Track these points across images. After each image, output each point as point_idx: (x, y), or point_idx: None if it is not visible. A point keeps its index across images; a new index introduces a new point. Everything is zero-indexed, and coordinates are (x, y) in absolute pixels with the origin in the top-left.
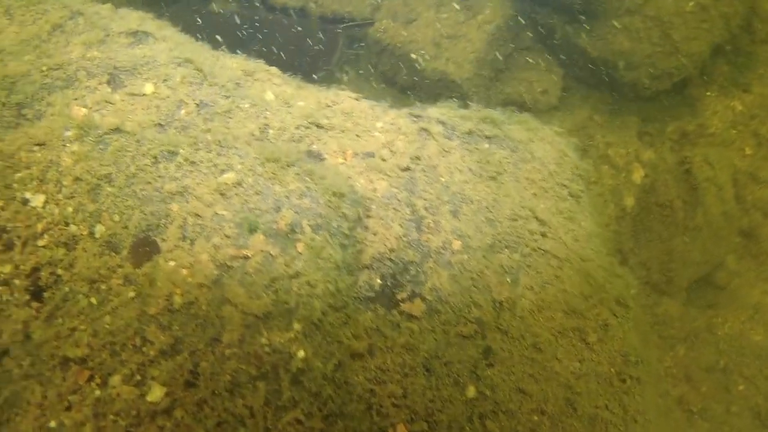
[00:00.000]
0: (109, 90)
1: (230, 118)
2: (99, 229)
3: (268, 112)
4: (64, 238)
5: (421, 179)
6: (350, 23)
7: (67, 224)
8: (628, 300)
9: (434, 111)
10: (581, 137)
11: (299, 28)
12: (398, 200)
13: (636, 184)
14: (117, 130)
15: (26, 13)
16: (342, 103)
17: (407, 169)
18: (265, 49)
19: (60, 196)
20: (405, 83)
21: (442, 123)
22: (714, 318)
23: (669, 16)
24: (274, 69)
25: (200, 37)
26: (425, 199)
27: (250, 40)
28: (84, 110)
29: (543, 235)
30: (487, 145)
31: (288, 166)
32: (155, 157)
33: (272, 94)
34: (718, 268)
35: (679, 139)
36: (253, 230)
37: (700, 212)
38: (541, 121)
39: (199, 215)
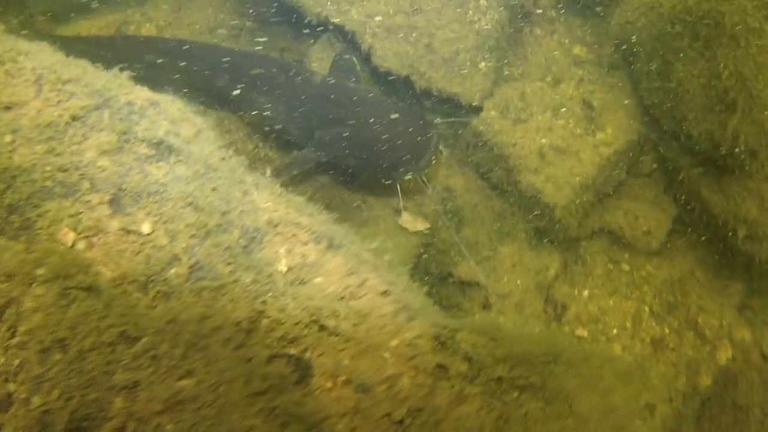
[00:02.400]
0: (108, 213)
1: (221, 295)
2: (35, 400)
3: (269, 294)
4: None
5: None
6: (450, 119)
7: (7, 380)
8: None
9: (465, 339)
10: (674, 292)
11: (395, 115)
12: None
13: (719, 365)
14: (89, 288)
15: (53, 90)
16: (363, 297)
17: (401, 422)
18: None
19: (10, 344)
20: (496, 182)
21: (469, 360)
22: None
23: None
24: (305, 221)
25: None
26: None
27: (336, 122)
28: (71, 236)
29: None
30: (516, 395)
31: (261, 394)
32: (114, 339)
33: (285, 265)
34: None
35: None
36: None
37: None
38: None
39: (141, 421)
